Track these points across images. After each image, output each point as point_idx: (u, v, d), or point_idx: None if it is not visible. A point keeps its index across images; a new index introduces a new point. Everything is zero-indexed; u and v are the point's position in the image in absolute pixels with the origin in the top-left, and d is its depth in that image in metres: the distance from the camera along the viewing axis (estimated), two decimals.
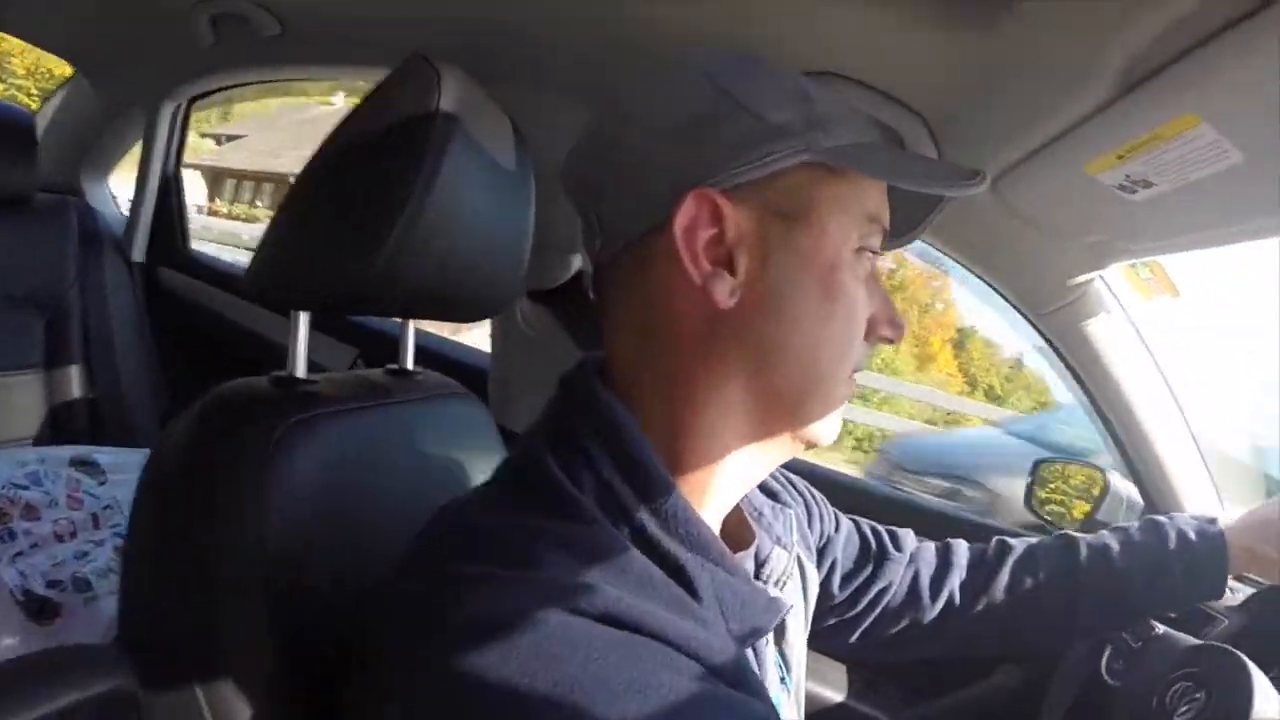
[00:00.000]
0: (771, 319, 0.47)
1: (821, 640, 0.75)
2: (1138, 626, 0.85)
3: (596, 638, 0.38)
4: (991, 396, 9.04)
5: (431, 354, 1.51)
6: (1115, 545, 0.79)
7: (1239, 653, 0.71)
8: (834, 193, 0.47)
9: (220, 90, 1.77)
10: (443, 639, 0.39)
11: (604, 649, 0.38)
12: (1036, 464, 1.29)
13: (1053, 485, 1.25)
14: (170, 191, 1.85)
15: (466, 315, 0.73)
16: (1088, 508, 1.17)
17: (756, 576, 0.57)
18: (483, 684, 0.36)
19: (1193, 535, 0.78)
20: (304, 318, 0.62)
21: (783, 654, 0.59)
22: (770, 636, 0.56)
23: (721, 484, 0.51)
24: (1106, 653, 0.88)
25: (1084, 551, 0.79)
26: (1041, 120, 0.73)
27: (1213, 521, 0.81)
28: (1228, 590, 0.95)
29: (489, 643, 0.37)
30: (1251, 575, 0.86)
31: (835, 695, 1.20)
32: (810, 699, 1.19)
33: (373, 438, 0.64)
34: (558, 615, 0.38)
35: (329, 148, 0.60)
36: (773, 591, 0.56)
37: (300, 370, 0.62)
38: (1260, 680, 0.68)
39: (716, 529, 0.52)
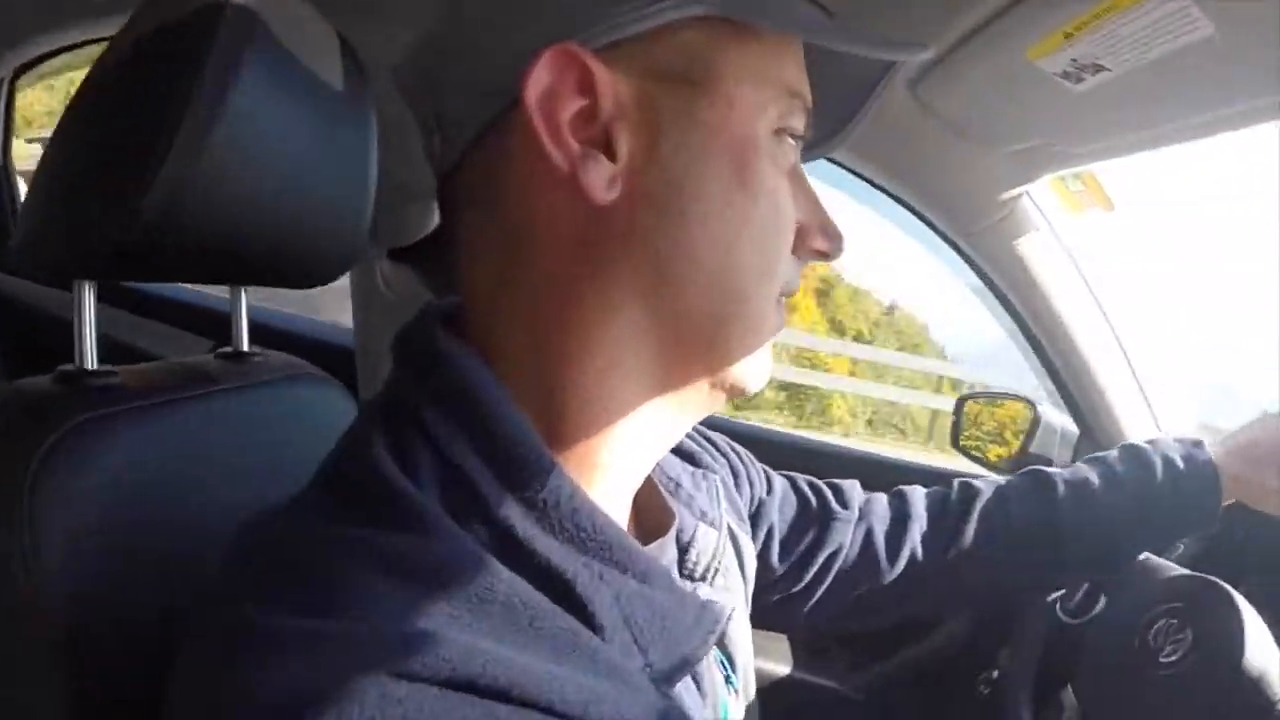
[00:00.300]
0: (670, 216, 0.36)
1: (768, 617, 0.64)
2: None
3: (441, 716, 0.27)
4: (861, 341, 9.29)
5: (292, 336, 1.33)
6: (1096, 480, 0.69)
7: (1226, 586, 0.64)
8: (741, 56, 0.36)
9: (46, 57, 1.52)
10: None
11: None
12: (961, 401, 1.22)
13: (968, 432, 1.19)
14: (1, 184, 1.61)
15: (300, 279, 0.59)
16: (1003, 451, 1.12)
17: (680, 567, 0.46)
18: None
19: (1180, 463, 0.69)
20: (88, 290, 0.51)
21: (725, 652, 0.49)
22: None
23: (621, 453, 0.39)
24: (1059, 593, 0.81)
25: (1062, 489, 0.69)
26: (967, 3, 0.62)
27: (1198, 444, 0.71)
28: None
29: None
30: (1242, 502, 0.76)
31: (780, 668, 1.12)
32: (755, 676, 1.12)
33: (192, 435, 0.53)
34: (381, 686, 0.27)
35: (96, 72, 0.48)
36: (704, 592, 0.46)
37: (90, 359, 0.51)
38: (1250, 617, 0.61)
39: (622, 515, 0.42)
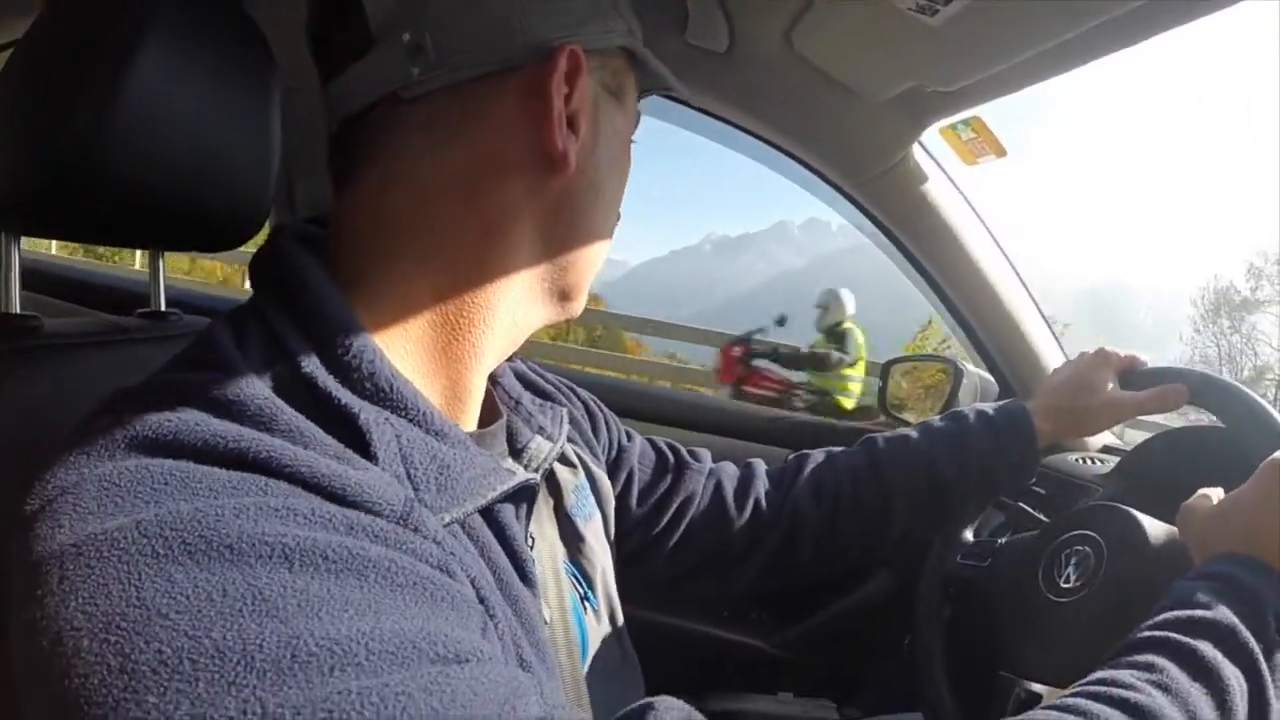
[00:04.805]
0: (590, 191, 0.47)
1: (634, 568, 0.70)
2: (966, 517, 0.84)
3: (202, 480, 0.32)
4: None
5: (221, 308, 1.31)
6: (915, 434, 0.78)
7: (1120, 505, 0.65)
8: (633, 81, 0.50)
9: None
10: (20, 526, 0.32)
11: (201, 491, 0.31)
12: (887, 365, 1.26)
13: (894, 395, 1.24)
14: None
15: (212, 241, 0.63)
16: (928, 411, 1.14)
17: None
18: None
19: (991, 411, 0.77)
20: (11, 240, 0.55)
21: (580, 567, 0.56)
22: (561, 548, 0.53)
23: (489, 344, 0.47)
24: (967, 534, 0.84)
25: (882, 445, 0.78)
26: None
27: (1014, 399, 0.78)
28: (1093, 461, 0.91)
29: (54, 510, 0.31)
30: (1067, 439, 0.83)
31: (703, 628, 1.15)
32: (674, 632, 1.15)
33: (105, 376, 0.55)
34: (132, 461, 0.32)
35: (30, 32, 0.53)
36: (509, 464, 0.50)
37: (14, 304, 0.55)
38: (1149, 523, 0.62)
39: (461, 407, 0.47)
